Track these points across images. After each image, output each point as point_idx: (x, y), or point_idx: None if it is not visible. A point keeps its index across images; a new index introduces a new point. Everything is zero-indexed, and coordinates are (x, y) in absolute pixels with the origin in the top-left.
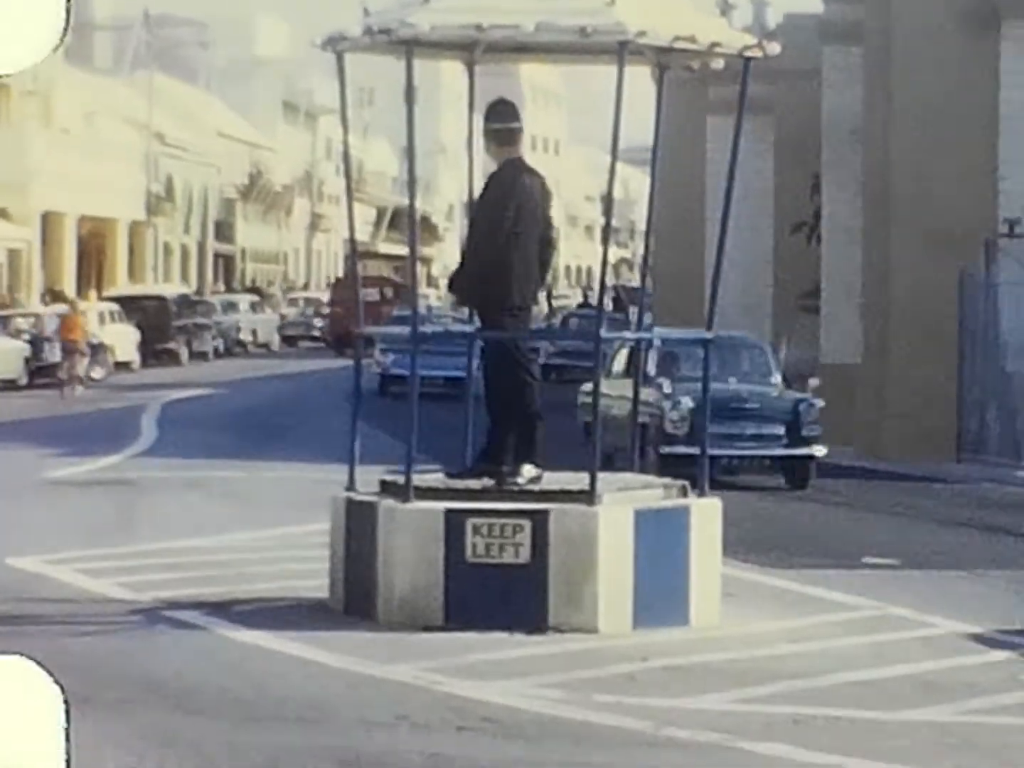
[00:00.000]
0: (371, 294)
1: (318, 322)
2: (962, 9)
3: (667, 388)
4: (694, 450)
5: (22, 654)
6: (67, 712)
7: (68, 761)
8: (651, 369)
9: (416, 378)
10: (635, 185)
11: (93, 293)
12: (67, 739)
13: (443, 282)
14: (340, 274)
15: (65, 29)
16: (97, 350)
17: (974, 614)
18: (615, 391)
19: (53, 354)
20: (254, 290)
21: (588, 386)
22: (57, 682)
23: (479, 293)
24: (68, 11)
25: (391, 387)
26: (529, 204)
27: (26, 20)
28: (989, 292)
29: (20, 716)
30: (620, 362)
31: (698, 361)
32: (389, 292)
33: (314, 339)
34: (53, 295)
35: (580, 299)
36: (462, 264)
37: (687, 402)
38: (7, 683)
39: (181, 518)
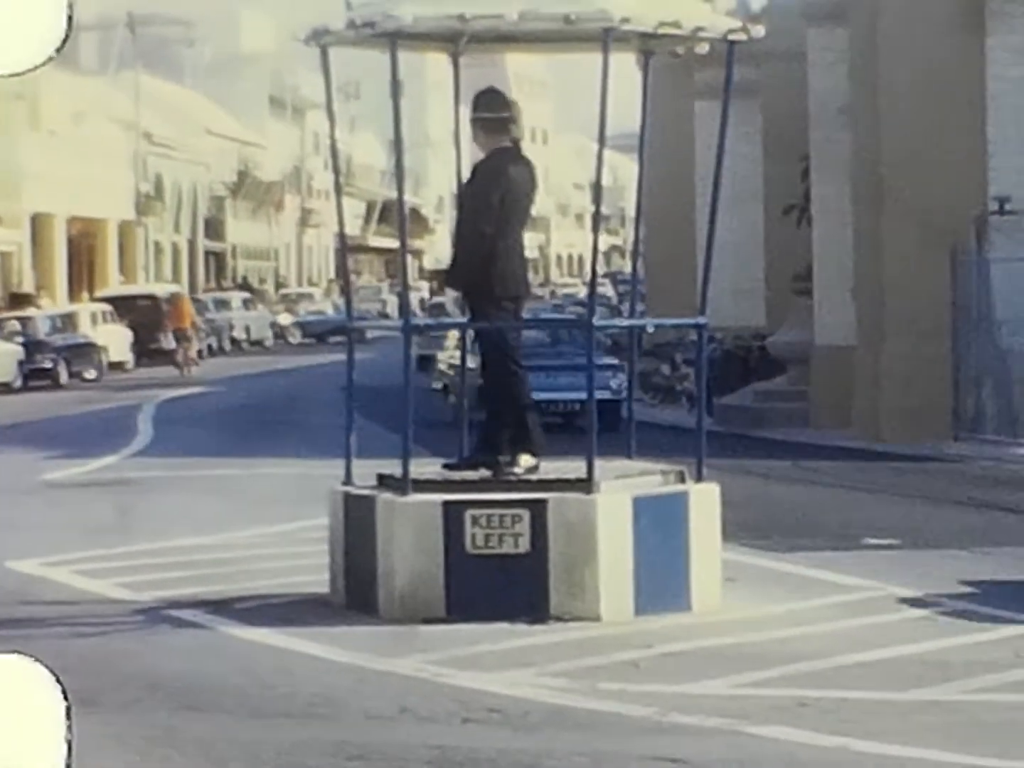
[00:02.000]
0: None
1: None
2: None
3: None
4: None
5: (22, 652)
6: (68, 711)
7: (68, 763)
8: None
9: (409, 365)
10: (624, 172)
11: (85, 294)
12: (68, 738)
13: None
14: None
15: (67, 31)
16: (90, 351)
17: (978, 592)
18: None
19: (46, 358)
20: (246, 287)
21: None
22: (58, 680)
23: (468, 283)
24: (70, 12)
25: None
26: (517, 193)
27: (26, 21)
28: (981, 269)
29: (19, 715)
30: None
31: None
32: None
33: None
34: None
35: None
36: (455, 257)
37: None
38: (6, 682)
39: (180, 517)
